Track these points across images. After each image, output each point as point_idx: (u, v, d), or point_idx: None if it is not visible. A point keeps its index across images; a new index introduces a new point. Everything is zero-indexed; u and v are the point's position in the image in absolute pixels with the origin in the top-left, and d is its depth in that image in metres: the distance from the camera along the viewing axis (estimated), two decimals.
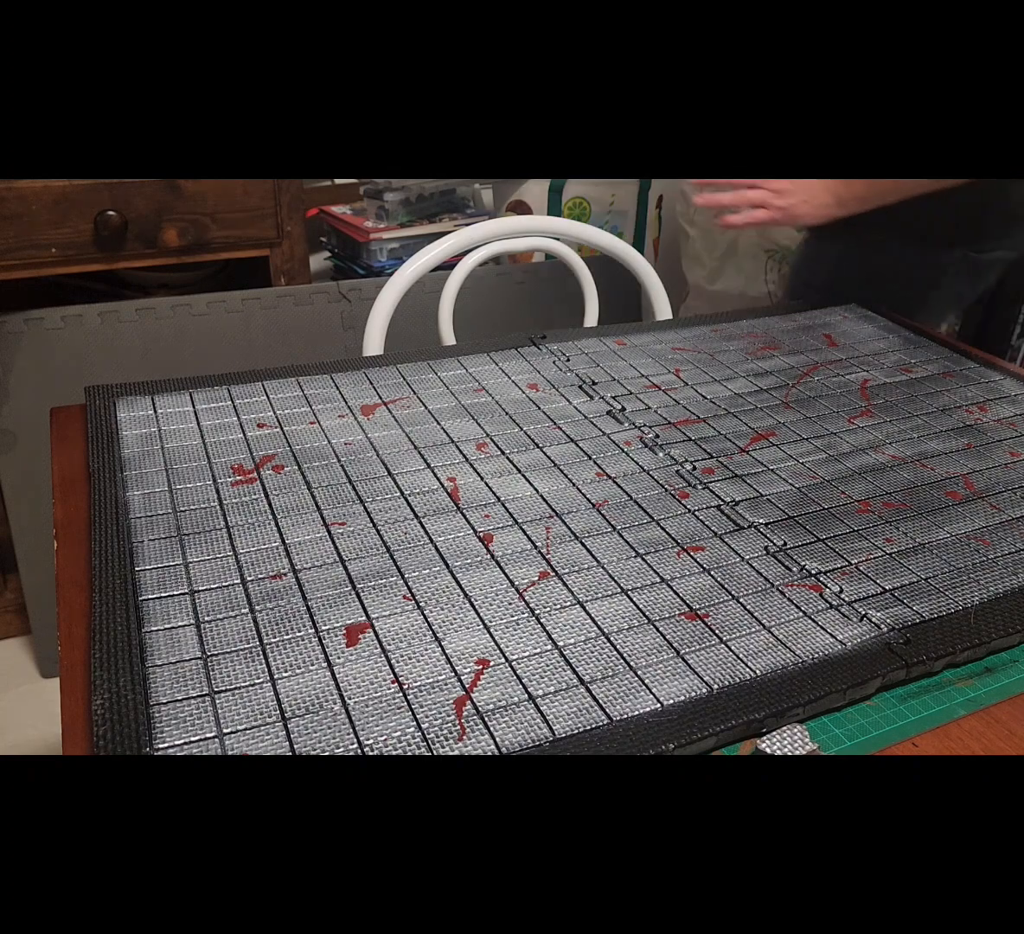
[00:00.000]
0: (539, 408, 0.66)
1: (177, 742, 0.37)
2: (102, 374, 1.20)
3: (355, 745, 0.37)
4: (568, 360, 0.74)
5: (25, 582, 1.30)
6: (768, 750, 0.37)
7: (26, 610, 1.36)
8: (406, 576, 0.47)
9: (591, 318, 0.93)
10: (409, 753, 0.36)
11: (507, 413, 0.65)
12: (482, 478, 0.57)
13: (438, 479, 0.56)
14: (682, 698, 0.39)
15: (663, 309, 0.91)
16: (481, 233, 0.84)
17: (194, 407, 0.64)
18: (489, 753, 0.36)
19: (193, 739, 0.37)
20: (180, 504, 0.53)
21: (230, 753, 0.36)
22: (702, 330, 0.81)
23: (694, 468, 0.58)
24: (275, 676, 0.40)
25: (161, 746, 0.36)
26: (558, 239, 0.90)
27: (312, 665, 0.41)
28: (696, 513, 0.53)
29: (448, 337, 0.85)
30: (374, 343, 0.79)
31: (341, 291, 1.24)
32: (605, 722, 0.38)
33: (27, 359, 1.16)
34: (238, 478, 0.56)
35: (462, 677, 0.41)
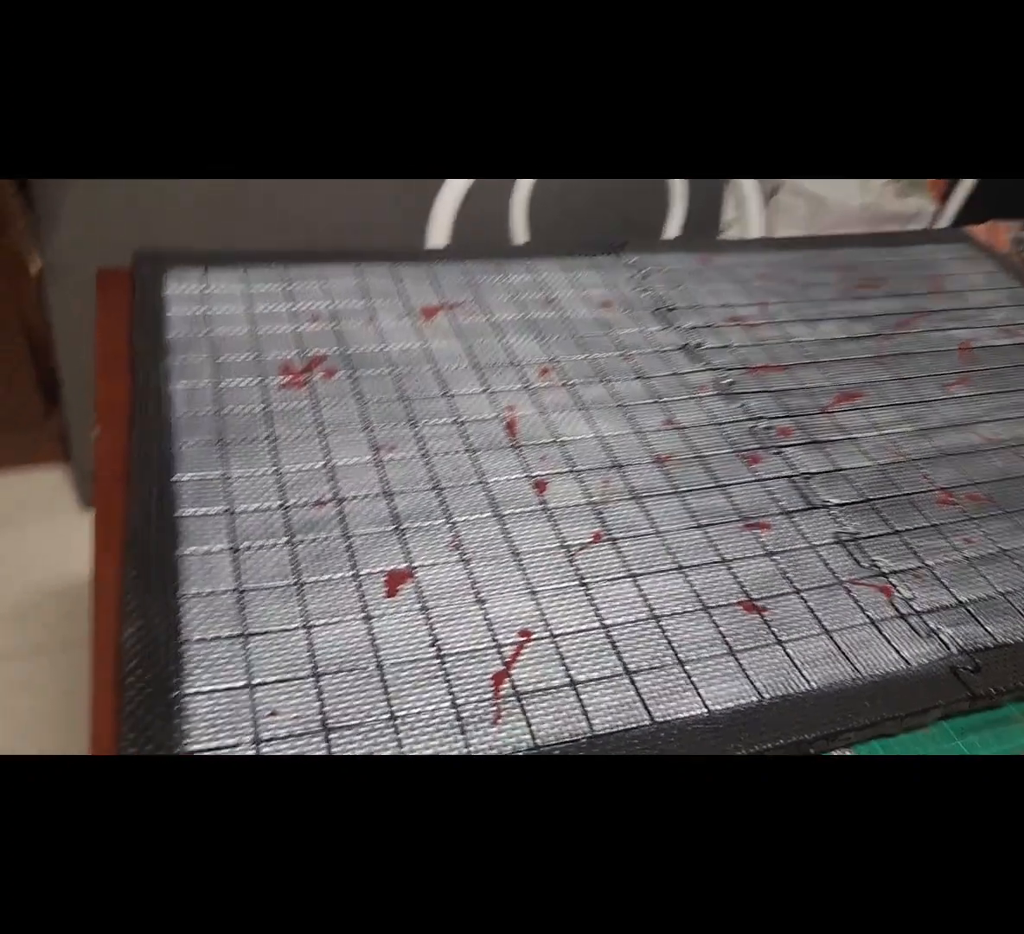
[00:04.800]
0: (610, 332, 0.61)
1: (205, 689, 0.35)
2: (155, 209, 1.13)
3: (387, 715, 0.35)
4: (646, 277, 0.68)
5: (69, 412, 1.30)
6: None
7: (67, 440, 1.36)
8: (453, 520, 0.45)
9: (676, 218, 0.86)
10: (442, 731, 0.35)
11: (574, 334, 0.60)
12: (542, 411, 0.53)
13: (495, 407, 0.53)
14: (730, 704, 0.37)
15: (754, 230, 0.83)
16: None
17: (246, 287, 0.60)
18: (524, 743, 0.35)
19: (221, 687, 0.36)
20: (224, 404, 0.50)
21: (259, 708, 0.35)
22: (793, 256, 0.74)
23: (769, 427, 0.54)
24: (310, 623, 0.39)
25: (189, 691, 0.35)
26: None
27: (348, 615, 0.39)
28: (766, 482, 0.50)
29: (520, 230, 0.79)
30: (440, 232, 0.73)
31: None
32: (647, 722, 0.36)
33: (80, 189, 1.10)
34: (286, 379, 0.53)
35: (503, 648, 0.39)
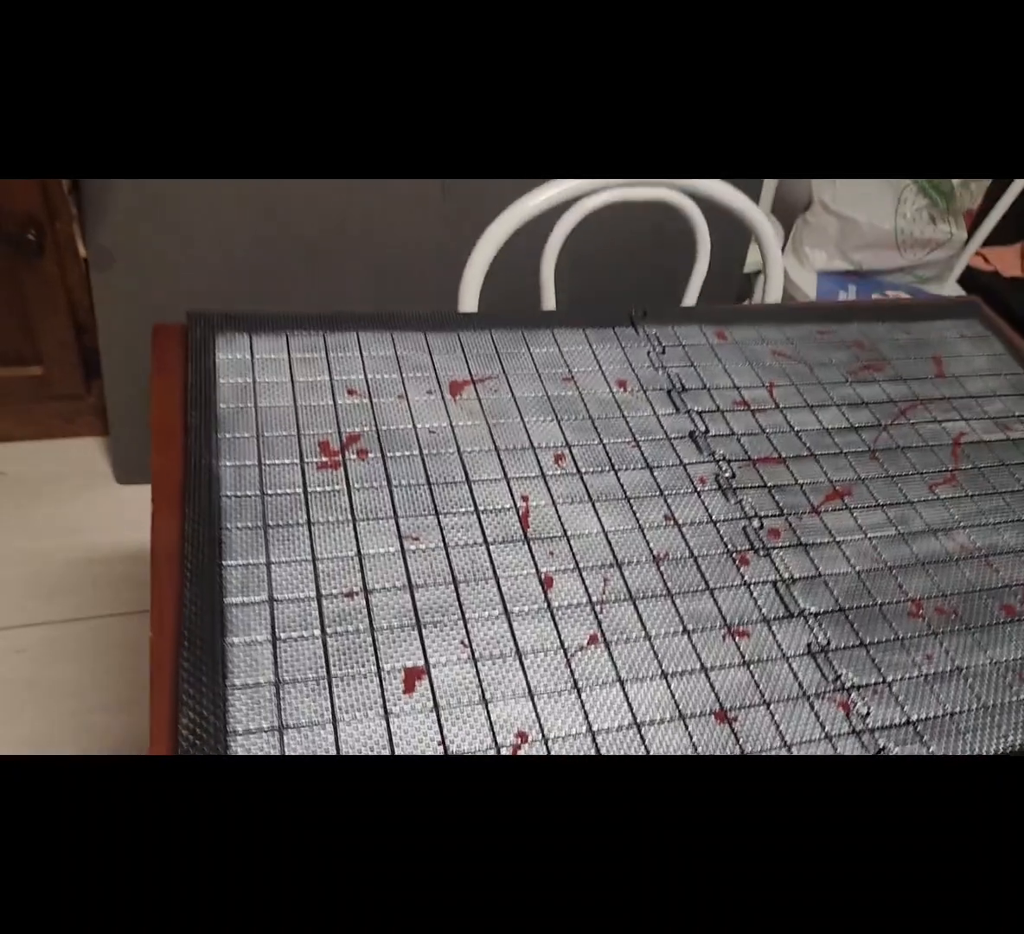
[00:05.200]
0: (623, 415, 0.66)
1: None
2: (195, 206, 1.17)
3: None
4: (663, 352, 0.72)
5: (108, 389, 1.36)
6: None
7: (106, 414, 1.43)
8: (467, 616, 0.50)
9: (698, 278, 0.89)
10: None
11: (590, 417, 0.65)
12: (554, 502, 0.58)
13: (512, 496, 0.58)
14: None
15: (775, 292, 0.87)
16: (595, 182, 0.79)
17: (289, 355, 0.65)
18: None
19: None
20: (267, 485, 0.56)
21: None
22: (808, 329, 0.78)
23: (761, 526, 0.59)
24: (337, 717, 0.45)
25: None
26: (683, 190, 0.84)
27: (370, 710, 0.45)
28: (751, 587, 0.55)
29: (548, 296, 0.83)
30: (469, 298, 0.77)
31: None
32: None
33: (125, 187, 1.14)
34: (324, 459, 0.58)
35: (501, 750, 0.45)
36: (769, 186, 1.48)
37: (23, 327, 1.36)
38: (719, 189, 0.84)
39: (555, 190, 0.78)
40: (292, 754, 0.43)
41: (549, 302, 0.84)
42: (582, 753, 0.45)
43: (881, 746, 0.48)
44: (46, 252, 1.26)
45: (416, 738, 0.45)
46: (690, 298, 0.90)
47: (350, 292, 1.26)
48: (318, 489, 0.56)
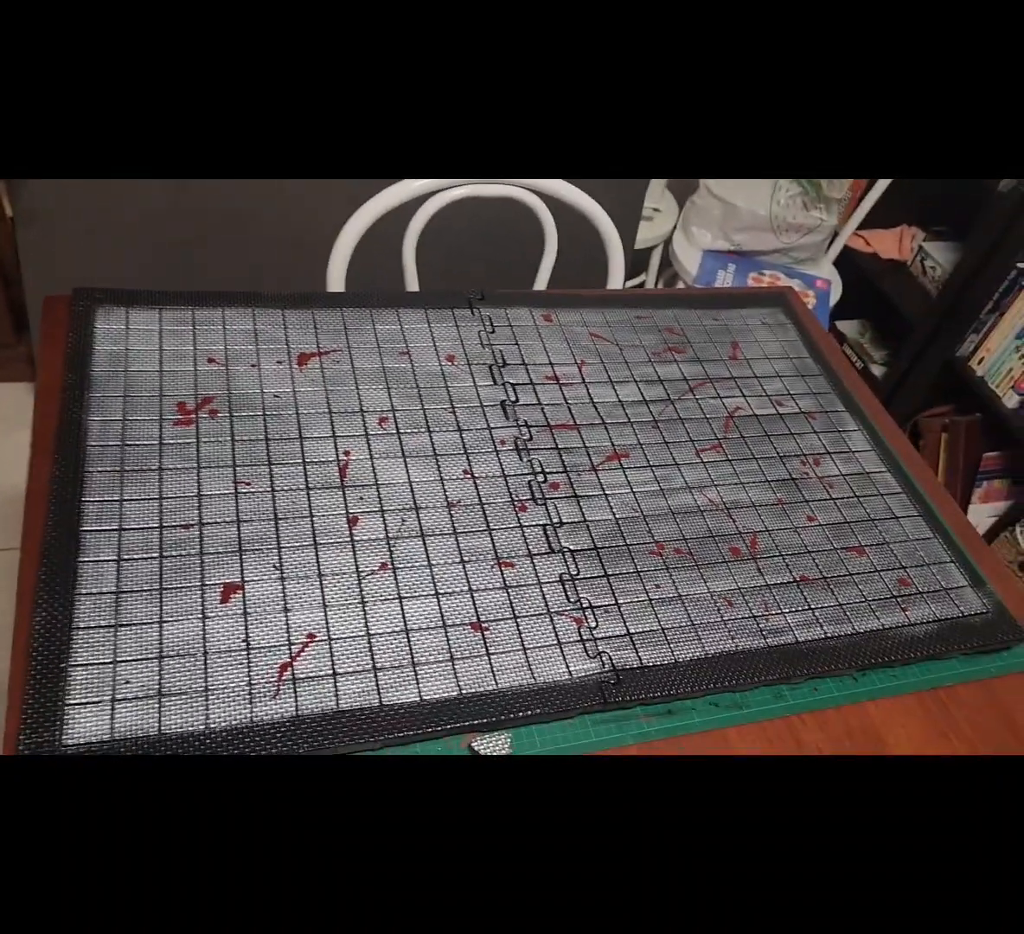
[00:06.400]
0: (446, 386, 0.77)
1: (83, 662, 0.53)
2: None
3: (202, 688, 0.54)
4: (493, 332, 0.84)
5: (35, 339, 1.46)
6: (479, 749, 0.54)
7: (34, 361, 1.53)
8: (282, 546, 0.62)
9: (547, 266, 1.01)
10: (237, 702, 0.54)
11: (418, 386, 0.77)
12: (372, 457, 0.70)
13: (337, 451, 0.70)
14: (438, 696, 0.56)
15: (617, 277, 0.99)
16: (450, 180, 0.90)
17: (160, 327, 0.76)
18: (289, 713, 0.54)
19: (94, 662, 0.54)
20: (128, 437, 0.67)
21: (118, 677, 0.53)
22: (627, 315, 0.90)
23: (545, 480, 0.72)
24: (164, 619, 0.57)
25: (74, 664, 0.53)
26: (531, 190, 0.95)
27: (191, 615, 0.57)
28: (525, 528, 0.68)
29: (411, 276, 0.94)
30: (335, 278, 0.88)
31: None
32: (375, 705, 0.55)
33: None
34: (179, 417, 0.69)
35: (292, 646, 0.57)
36: None
37: None
38: (562, 189, 0.95)
39: (407, 188, 0.89)
40: (121, 648, 0.55)
41: (412, 284, 0.95)
42: (358, 649, 0.58)
43: (600, 651, 0.61)
44: None
45: (225, 635, 0.57)
46: (541, 283, 1.02)
47: (261, 251, 1.36)
48: (171, 442, 0.67)
